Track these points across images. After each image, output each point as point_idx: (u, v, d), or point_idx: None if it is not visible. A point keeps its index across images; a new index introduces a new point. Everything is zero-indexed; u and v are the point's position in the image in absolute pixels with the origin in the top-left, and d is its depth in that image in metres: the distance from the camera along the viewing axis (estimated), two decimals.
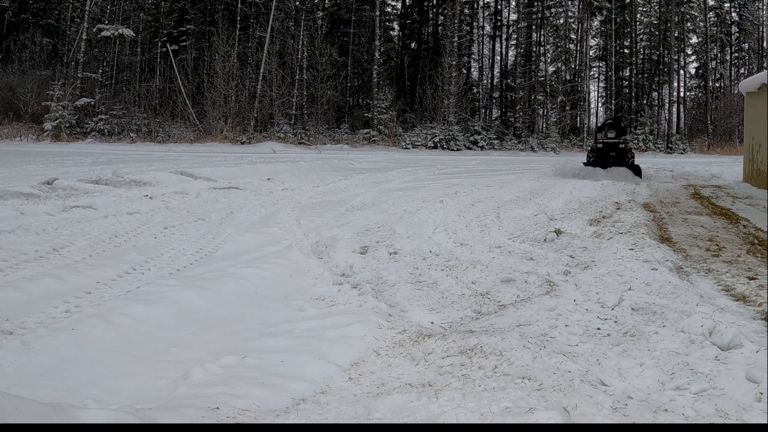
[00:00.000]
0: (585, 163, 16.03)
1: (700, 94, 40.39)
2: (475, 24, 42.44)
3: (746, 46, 40.92)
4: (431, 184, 13.72)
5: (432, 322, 4.17)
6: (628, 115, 36.78)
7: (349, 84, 38.50)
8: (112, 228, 7.37)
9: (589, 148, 16.75)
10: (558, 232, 6.88)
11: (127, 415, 2.58)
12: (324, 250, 6.60)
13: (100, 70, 34.30)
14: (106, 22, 34.39)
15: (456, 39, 35.78)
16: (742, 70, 40.03)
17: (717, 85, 39.94)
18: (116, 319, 4.14)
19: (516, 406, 2.71)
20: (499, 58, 42.92)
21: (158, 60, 36.17)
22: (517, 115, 37.56)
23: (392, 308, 4.50)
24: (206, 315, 4.47)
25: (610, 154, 15.58)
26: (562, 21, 38.62)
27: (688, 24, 40.12)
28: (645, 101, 40.33)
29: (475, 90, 41.08)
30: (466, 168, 19.55)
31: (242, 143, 30.38)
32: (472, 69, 42.36)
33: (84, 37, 32.77)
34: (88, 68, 33.46)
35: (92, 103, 32.24)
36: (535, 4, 39.50)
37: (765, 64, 37.70)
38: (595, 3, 37.92)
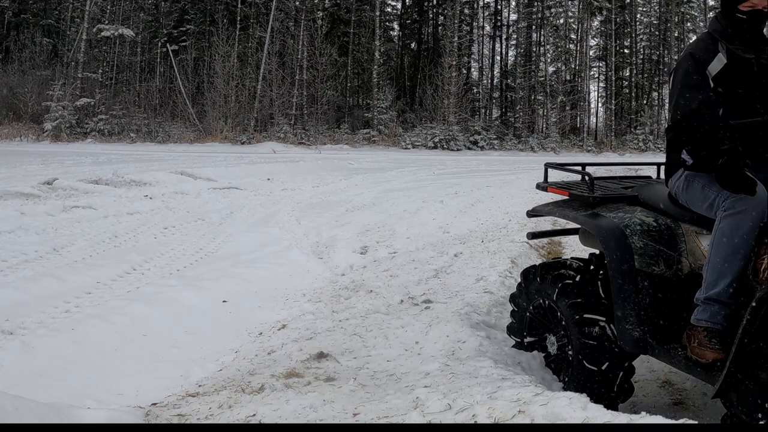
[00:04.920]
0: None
1: None
2: (475, 24, 42.38)
3: None
4: (431, 184, 13.70)
5: None
6: (628, 115, 36.69)
7: (349, 84, 38.45)
8: (112, 228, 7.37)
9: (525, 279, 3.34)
10: None
11: (127, 415, 2.57)
12: (324, 250, 6.61)
13: (100, 70, 34.24)
14: (106, 22, 34.32)
15: (456, 39, 35.74)
16: None
17: None
18: (116, 319, 4.14)
19: None
20: (499, 58, 42.89)
21: (158, 60, 36.12)
22: (517, 115, 37.52)
23: None
24: (206, 315, 4.48)
25: None
26: (562, 21, 38.58)
27: (688, 24, 40.09)
28: (645, 101, 40.31)
29: (475, 90, 41.01)
30: (466, 168, 19.54)
31: (242, 143, 30.37)
32: (472, 69, 42.30)
33: (84, 37, 32.72)
34: (88, 68, 33.41)
35: (92, 103, 32.20)
36: (535, 4, 39.44)
37: None
38: (595, 3, 37.88)
